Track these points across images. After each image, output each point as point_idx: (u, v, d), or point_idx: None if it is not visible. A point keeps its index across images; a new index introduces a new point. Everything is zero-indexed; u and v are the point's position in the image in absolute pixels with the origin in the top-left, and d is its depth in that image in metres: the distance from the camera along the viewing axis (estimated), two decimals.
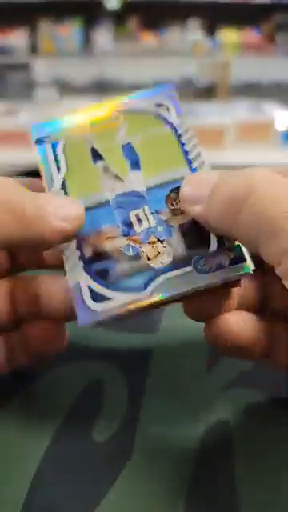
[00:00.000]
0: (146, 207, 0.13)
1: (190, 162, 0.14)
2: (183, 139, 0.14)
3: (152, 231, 0.13)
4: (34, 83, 1.66)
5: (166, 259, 0.12)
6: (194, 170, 0.13)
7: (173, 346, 0.17)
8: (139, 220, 0.13)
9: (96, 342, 0.17)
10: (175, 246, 0.12)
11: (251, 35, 1.69)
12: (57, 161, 0.14)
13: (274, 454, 0.13)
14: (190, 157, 0.14)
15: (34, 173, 0.15)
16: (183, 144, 0.14)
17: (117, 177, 0.13)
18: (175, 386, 0.15)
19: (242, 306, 0.14)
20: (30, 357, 0.14)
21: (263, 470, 0.12)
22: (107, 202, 0.13)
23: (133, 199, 0.13)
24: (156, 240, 0.13)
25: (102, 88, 1.66)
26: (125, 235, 0.13)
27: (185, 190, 0.12)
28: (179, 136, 0.14)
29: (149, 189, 0.13)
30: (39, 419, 0.14)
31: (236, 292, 0.13)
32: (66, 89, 1.63)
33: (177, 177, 0.13)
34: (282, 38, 1.67)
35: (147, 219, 0.13)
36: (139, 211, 0.13)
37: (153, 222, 0.13)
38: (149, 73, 1.64)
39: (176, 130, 0.14)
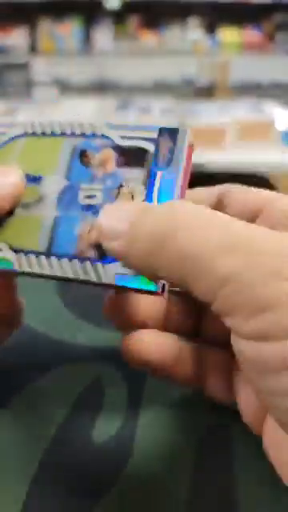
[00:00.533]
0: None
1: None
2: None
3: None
4: (33, 82, 1.66)
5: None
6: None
7: None
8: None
9: (96, 342, 0.17)
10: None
11: (251, 34, 1.69)
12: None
13: None
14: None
15: None
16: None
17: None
18: (175, 385, 0.15)
19: (170, 328, 0.13)
20: None
21: (263, 471, 0.12)
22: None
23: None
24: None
25: (102, 87, 1.66)
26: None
27: (102, 223, 0.11)
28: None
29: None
30: (39, 419, 0.14)
31: (158, 311, 0.13)
32: (66, 88, 1.63)
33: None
34: (282, 37, 1.67)
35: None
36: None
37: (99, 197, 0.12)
38: (149, 72, 1.64)
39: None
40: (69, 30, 1.67)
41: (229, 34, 1.67)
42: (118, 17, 1.64)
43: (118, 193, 0.12)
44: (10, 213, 0.13)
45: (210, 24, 1.66)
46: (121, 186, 0.12)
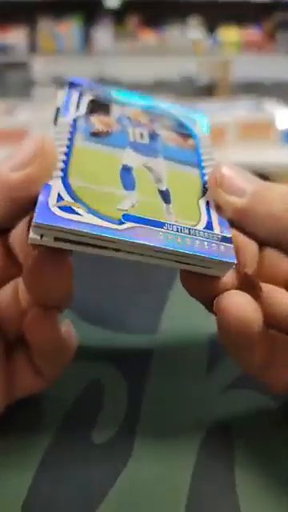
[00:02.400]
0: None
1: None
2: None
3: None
4: (33, 82, 1.66)
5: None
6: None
7: (173, 347, 0.17)
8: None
9: (96, 342, 0.17)
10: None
11: (252, 33, 1.68)
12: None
13: (274, 455, 0.13)
14: (203, 164, 0.14)
15: None
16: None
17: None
18: (175, 386, 0.15)
19: None
20: (35, 369, 0.13)
21: (264, 471, 0.12)
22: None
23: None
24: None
25: None
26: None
27: (228, 174, 0.12)
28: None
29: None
30: (39, 419, 0.14)
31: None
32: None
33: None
34: (283, 36, 1.66)
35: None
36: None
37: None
38: (149, 71, 1.64)
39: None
40: (69, 29, 1.66)
41: (229, 33, 1.67)
42: (118, 16, 1.64)
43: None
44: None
45: (210, 23, 1.66)
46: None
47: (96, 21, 1.65)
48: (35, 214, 0.10)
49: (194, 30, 1.66)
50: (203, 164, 0.14)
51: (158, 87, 1.64)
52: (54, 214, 0.10)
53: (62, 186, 0.11)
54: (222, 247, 0.11)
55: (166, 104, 0.15)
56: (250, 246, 0.12)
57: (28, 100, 1.37)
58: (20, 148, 0.12)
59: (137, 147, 0.13)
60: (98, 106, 0.14)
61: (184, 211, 0.12)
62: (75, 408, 0.14)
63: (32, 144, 0.11)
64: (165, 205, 0.12)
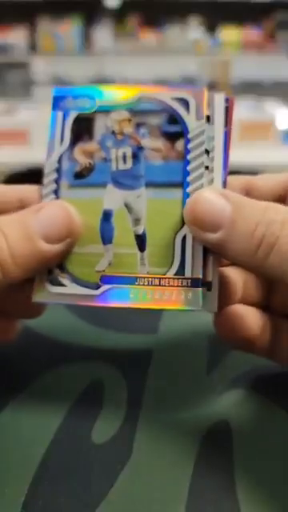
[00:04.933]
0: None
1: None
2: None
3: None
4: (33, 82, 1.66)
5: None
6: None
7: (173, 347, 0.17)
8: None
9: (96, 342, 0.17)
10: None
11: (252, 33, 1.68)
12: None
13: (274, 454, 0.13)
14: (189, 178, 0.13)
15: (32, 172, 0.15)
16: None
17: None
18: (175, 386, 0.15)
19: (245, 301, 0.14)
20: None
21: (263, 470, 0.12)
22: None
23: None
24: None
25: None
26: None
27: (200, 211, 0.11)
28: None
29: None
30: (39, 419, 0.14)
31: (240, 287, 0.13)
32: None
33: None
34: (283, 35, 1.66)
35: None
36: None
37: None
38: (149, 71, 1.64)
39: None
40: (68, 28, 1.66)
41: (229, 33, 1.67)
42: (118, 15, 1.63)
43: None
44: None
45: (211, 23, 1.66)
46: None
47: (96, 21, 1.65)
48: (33, 292, 0.13)
49: (194, 30, 1.66)
50: (188, 178, 0.13)
51: None
52: (47, 289, 0.13)
53: None
54: (191, 294, 0.12)
55: (154, 93, 0.14)
56: (250, 284, 0.14)
57: (28, 100, 1.37)
58: (48, 211, 0.12)
59: (118, 180, 0.13)
60: (82, 125, 0.14)
61: (158, 256, 0.13)
62: (75, 408, 0.14)
63: (65, 218, 0.12)
64: (139, 254, 0.13)
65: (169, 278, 0.12)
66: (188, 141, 0.13)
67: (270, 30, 1.67)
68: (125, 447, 0.13)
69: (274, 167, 0.88)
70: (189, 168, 0.13)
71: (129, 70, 1.65)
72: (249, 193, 0.13)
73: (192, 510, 0.11)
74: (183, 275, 0.12)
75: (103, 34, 1.65)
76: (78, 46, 1.67)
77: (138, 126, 0.14)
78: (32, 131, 0.88)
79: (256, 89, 1.61)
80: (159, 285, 0.12)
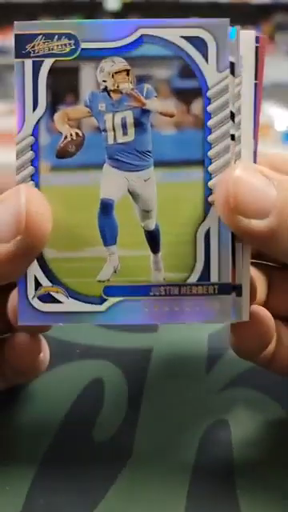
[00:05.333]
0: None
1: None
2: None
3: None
4: None
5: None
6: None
7: (172, 346, 0.17)
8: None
9: (96, 341, 0.17)
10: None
11: None
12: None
13: (274, 454, 0.13)
14: (210, 153, 0.09)
15: None
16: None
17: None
18: (175, 386, 0.15)
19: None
20: (12, 373, 0.13)
21: (263, 469, 0.12)
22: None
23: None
24: None
25: None
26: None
27: (243, 193, 0.08)
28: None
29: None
30: (39, 419, 0.14)
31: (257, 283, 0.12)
32: None
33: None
34: (282, 37, 1.67)
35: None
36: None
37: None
38: None
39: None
40: None
41: None
42: (118, 17, 1.64)
43: None
44: None
45: None
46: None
47: None
48: (17, 313, 0.10)
49: None
50: (210, 153, 0.09)
51: None
52: (35, 308, 0.10)
53: (36, 264, 0.10)
54: (219, 304, 0.09)
55: (158, 29, 0.10)
56: (259, 281, 0.11)
57: None
58: (4, 203, 0.09)
59: (117, 157, 0.10)
60: (62, 77, 0.10)
61: (175, 257, 0.10)
62: (76, 407, 0.14)
63: (17, 209, 0.09)
64: (152, 256, 0.10)
65: (191, 286, 0.10)
66: (208, 101, 0.09)
67: (269, 31, 1.68)
68: (125, 447, 0.13)
69: None
70: (210, 139, 0.09)
71: None
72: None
73: (191, 510, 0.11)
74: (208, 280, 0.09)
75: None
76: None
77: (141, 79, 0.10)
78: None
79: None
80: (179, 294, 0.10)
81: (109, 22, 0.10)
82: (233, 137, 0.10)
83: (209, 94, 0.10)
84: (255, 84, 0.10)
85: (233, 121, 0.10)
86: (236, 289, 0.10)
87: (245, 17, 1.65)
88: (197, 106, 0.10)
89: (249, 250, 0.10)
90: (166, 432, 0.14)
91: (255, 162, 0.10)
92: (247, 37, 0.10)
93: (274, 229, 0.09)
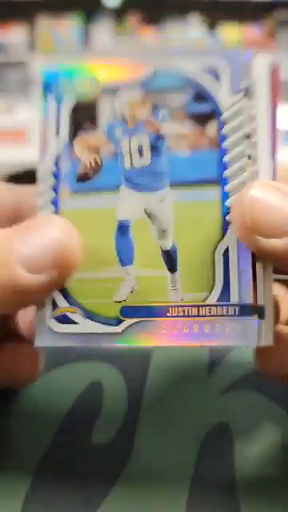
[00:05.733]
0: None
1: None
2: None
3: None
4: (31, 81, 1.66)
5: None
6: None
7: (173, 348, 0.17)
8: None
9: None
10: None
11: (252, 32, 1.68)
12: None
13: (275, 456, 0.13)
14: (226, 173, 0.10)
15: (31, 172, 0.15)
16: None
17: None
18: (175, 387, 0.15)
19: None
20: (4, 379, 0.13)
21: (264, 472, 0.12)
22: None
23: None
24: None
25: None
26: None
27: (258, 212, 0.08)
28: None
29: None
30: (39, 420, 0.14)
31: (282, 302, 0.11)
32: None
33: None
34: (283, 34, 1.66)
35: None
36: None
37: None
38: None
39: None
40: (68, 27, 1.66)
41: (229, 32, 1.66)
42: (118, 14, 1.63)
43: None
44: None
45: (211, 21, 1.65)
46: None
47: (95, 19, 1.65)
48: (35, 334, 0.10)
49: (194, 29, 1.66)
50: (226, 173, 0.10)
51: None
52: (52, 329, 0.10)
53: None
54: (240, 326, 0.09)
55: (173, 63, 0.10)
56: (286, 298, 0.11)
57: (27, 99, 1.36)
58: (38, 232, 0.09)
59: (134, 180, 0.10)
60: (83, 111, 0.11)
61: (194, 277, 0.10)
62: (75, 408, 0.14)
63: (54, 242, 0.09)
64: (169, 276, 0.10)
65: (210, 306, 0.09)
66: (222, 123, 0.10)
67: (271, 28, 1.67)
68: (125, 448, 0.13)
69: None
70: (226, 159, 0.10)
71: None
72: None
73: (192, 510, 0.11)
74: (228, 301, 0.09)
75: (103, 32, 1.65)
76: (78, 44, 1.67)
77: (156, 108, 0.10)
78: (30, 130, 0.88)
79: None
80: (198, 315, 0.09)
81: (125, 60, 0.11)
82: (249, 157, 0.10)
83: (223, 116, 0.10)
84: (271, 105, 0.10)
85: (249, 141, 0.10)
86: (258, 310, 0.10)
87: (246, 14, 1.64)
88: (211, 129, 0.10)
89: (271, 270, 0.10)
90: (167, 433, 0.14)
91: (274, 179, 0.10)
92: (261, 62, 0.10)
93: None
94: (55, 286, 0.10)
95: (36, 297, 0.10)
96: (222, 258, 0.10)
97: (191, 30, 1.64)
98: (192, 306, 0.10)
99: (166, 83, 0.10)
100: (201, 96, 0.10)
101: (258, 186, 0.09)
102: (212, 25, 1.65)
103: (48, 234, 0.09)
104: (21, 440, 0.13)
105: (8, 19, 1.59)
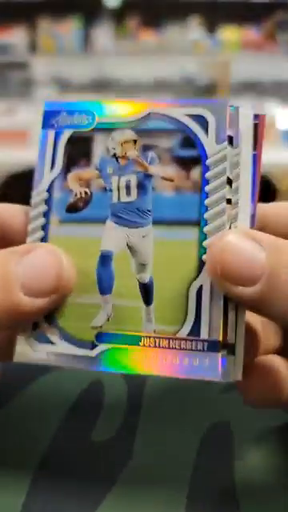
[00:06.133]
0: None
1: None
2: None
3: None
4: (33, 82, 1.66)
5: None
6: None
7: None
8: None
9: None
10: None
11: (252, 33, 1.68)
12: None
13: (274, 455, 0.13)
14: (206, 215, 0.10)
15: (32, 173, 0.15)
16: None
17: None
18: (175, 386, 0.15)
19: (265, 349, 0.12)
20: None
21: (263, 471, 0.12)
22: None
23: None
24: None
25: (102, 86, 1.65)
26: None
27: (229, 260, 0.09)
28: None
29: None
30: (39, 420, 0.14)
31: (260, 332, 0.11)
32: (66, 87, 1.62)
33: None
34: (283, 36, 1.66)
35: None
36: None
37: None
38: (149, 71, 1.64)
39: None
40: (68, 29, 1.66)
41: (229, 33, 1.67)
42: (118, 16, 1.64)
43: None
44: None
45: (210, 23, 1.66)
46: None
47: (96, 21, 1.65)
48: (14, 351, 0.11)
49: (193, 31, 1.66)
50: (206, 215, 0.10)
51: (158, 87, 1.64)
52: (30, 347, 0.11)
53: None
54: (207, 361, 0.10)
55: (165, 109, 0.11)
56: (267, 327, 0.11)
57: (28, 100, 1.37)
58: (37, 258, 0.10)
59: (120, 214, 0.11)
60: (78, 146, 0.12)
61: (167, 310, 0.10)
62: (76, 408, 0.14)
63: (52, 270, 0.10)
64: (144, 308, 0.11)
65: (180, 340, 0.10)
66: (206, 168, 0.11)
67: (270, 30, 1.67)
68: (125, 447, 0.13)
69: (275, 167, 0.88)
70: (207, 202, 0.10)
71: (129, 70, 1.65)
72: (262, 228, 0.11)
73: (192, 510, 0.11)
74: (198, 336, 0.10)
75: (103, 34, 1.65)
76: (78, 46, 1.67)
77: (146, 148, 0.11)
78: (32, 131, 0.88)
79: (256, 89, 1.61)
80: (168, 347, 0.10)
81: (121, 103, 0.12)
82: (229, 201, 0.11)
83: (207, 162, 0.11)
84: (253, 155, 0.11)
85: (230, 186, 0.11)
86: (228, 347, 0.10)
87: (245, 15, 1.65)
88: (195, 173, 0.11)
89: (244, 309, 0.10)
90: (167, 433, 0.14)
91: (253, 224, 0.11)
92: (245, 115, 0.11)
93: (264, 294, 0.09)
94: (55, 307, 0.10)
95: (31, 319, 0.11)
96: (195, 295, 0.10)
97: (191, 31, 1.65)
98: (163, 338, 0.10)
99: (158, 126, 0.11)
100: (189, 141, 0.11)
101: (232, 233, 0.10)
102: (211, 26, 1.65)
103: (45, 259, 0.10)
104: (21, 439, 0.13)
105: (9, 20, 1.60)
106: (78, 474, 0.12)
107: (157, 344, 0.10)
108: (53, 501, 0.12)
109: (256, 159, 0.11)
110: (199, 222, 0.10)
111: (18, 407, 0.14)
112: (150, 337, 0.10)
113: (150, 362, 0.10)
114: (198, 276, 0.10)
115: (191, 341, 0.10)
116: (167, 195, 0.11)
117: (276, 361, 0.11)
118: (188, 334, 0.10)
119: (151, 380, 0.16)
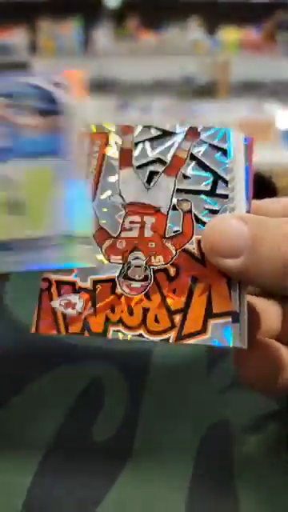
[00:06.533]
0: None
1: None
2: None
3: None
4: None
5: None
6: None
7: (173, 347, 0.17)
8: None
9: (96, 342, 0.17)
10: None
11: (252, 34, 1.68)
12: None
13: (274, 453, 0.13)
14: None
15: None
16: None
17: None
18: (175, 386, 0.15)
19: (266, 334, 0.12)
20: None
21: (263, 469, 0.12)
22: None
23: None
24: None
25: (102, 87, 1.65)
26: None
27: (216, 237, 0.10)
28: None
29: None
30: (39, 419, 0.14)
31: (263, 317, 0.12)
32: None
33: None
34: (283, 36, 1.66)
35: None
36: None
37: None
38: (149, 72, 1.64)
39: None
40: (69, 29, 1.66)
41: (229, 34, 1.67)
42: (118, 17, 1.64)
43: None
44: None
45: (210, 24, 1.66)
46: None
47: (96, 21, 1.65)
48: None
49: (193, 31, 1.66)
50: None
51: (158, 88, 1.64)
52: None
53: None
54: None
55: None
56: (271, 309, 0.12)
57: None
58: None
59: None
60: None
61: None
62: (76, 407, 0.14)
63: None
64: None
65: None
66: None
67: (270, 30, 1.67)
68: (125, 446, 0.13)
69: (274, 167, 0.88)
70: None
71: (129, 71, 1.65)
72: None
73: (192, 510, 0.11)
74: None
75: (103, 35, 1.66)
76: (78, 46, 1.68)
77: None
78: None
79: (256, 89, 1.61)
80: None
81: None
82: (226, 196, 0.12)
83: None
84: (246, 167, 0.12)
85: (226, 185, 0.12)
86: (232, 315, 0.10)
87: (245, 16, 1.65)
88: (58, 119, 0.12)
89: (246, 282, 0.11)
90: (167, 432, 0.14)
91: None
92: (237, 136, 0.12)
93: (248, 266, 0.10)
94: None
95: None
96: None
97: (191, 32, 1.65)
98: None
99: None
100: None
101: (221, 216, 0.11)
102: (211, 27, 1.65)
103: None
104: (22, 436, 0.13)
105: (9, 21, 1.60)
106: (77, 472, 0.12)
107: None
108: (53, 500, 0.12)
109: (248, 170, 0.12)
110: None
111: (17, 406, 0.14)
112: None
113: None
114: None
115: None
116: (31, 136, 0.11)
117: (277, 343, 0.12)
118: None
119: (151, 379, 0.16)
